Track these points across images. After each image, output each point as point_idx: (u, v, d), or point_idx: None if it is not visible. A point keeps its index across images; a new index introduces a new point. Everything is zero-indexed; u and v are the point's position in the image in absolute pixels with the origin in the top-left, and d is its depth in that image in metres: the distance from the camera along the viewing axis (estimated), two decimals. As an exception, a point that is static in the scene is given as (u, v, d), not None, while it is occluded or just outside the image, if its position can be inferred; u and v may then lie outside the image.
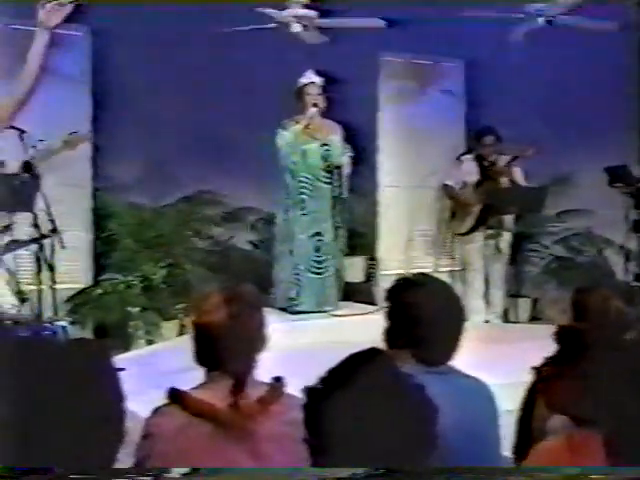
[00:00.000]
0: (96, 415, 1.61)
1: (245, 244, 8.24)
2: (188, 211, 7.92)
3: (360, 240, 8.15)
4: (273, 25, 7.25)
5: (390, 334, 2.80)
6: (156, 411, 2.55)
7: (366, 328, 6.14)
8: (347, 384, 1.81)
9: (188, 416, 2.48)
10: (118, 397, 1.68)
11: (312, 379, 1.89)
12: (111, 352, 1.76)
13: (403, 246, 8.27)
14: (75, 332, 6.29)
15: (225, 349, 2.54)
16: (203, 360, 2.59)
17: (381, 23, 7.30)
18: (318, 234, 7.11)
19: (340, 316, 6.97)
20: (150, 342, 7.28)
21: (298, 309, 6.94)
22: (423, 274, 3.17)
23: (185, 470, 2.31)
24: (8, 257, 5.48)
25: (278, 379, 2.61)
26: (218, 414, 2.48)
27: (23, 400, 1.56)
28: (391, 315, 2.82)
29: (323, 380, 1.86)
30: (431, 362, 2.71)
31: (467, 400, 2.67)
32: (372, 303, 7.36)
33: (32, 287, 5.81)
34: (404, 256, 8.13)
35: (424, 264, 8.03)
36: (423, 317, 2.72)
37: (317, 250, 7.10)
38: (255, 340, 2.60)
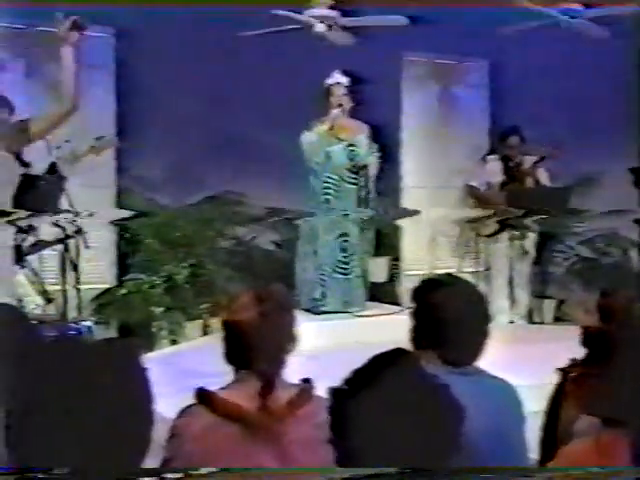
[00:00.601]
0: (125, 416, 1.61)
1: (268, 244, 8.23)
2: (212, 211, 7.93)
3: (384, 240, 8.12)
4: (297, 26, 7.24)
5: (416, 334, 2.79)
6: (183, 411, 2.54)
7: (391, 328, 6.14)
8: (372, 385, 1.80)
9: (215, 417, 2.47)
10: (148, 398, 1.68)
11: (338, 380, 1.88)
12: (140, 352, 1.76)
13: (427, 247, 8.24)
14: (100, 332, 6.31)
15: (254, 349, 2.53)
16: (232, 359, 2.59)
17: (404, 21, 7.28)
18: (344, 235, 7.10)
19: (365, 316, 6.96)
20: (174, 342, 7.29)
21: (323, 310, 6.93)
22: (449, 274, 3.16)
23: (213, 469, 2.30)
24: (33, 257, 5.51)
25: (307, 380, 2.60)
26: (246, 415, 2.47)
27: (54, 400, 1.57)
28: (417, 315, 2.81)
29: (348, 381, 1.85)
30: (457, 363, 2.69)
31: (493, 401, 2.65)
32: (396, 303, 7.34)
33: (57, 287, 5.84)
34: (428, 257, 8.10)
35: (448, 265, 8.00)
36: (449, 317, 2.71)
37: (343, 251, 7.10)
38: (285, 340, 2.59)
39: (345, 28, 7.44)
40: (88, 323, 5.96)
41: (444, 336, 2.70)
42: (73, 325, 5.69)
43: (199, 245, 7.77)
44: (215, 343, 2.65)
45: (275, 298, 2.62)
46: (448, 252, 8.26)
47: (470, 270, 7.60)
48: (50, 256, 5.89)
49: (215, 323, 7.13)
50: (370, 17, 7.46)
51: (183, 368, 5.52)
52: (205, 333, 7.31)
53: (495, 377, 2.81)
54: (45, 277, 5.68)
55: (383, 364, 1.86)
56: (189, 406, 2.54)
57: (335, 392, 1.87)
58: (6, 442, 1.61)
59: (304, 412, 2.51)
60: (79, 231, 5.80)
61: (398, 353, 1.91)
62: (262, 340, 2.53)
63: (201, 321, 7.45)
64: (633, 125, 7.74)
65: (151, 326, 7.27)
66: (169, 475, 2.08)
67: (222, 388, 2.56)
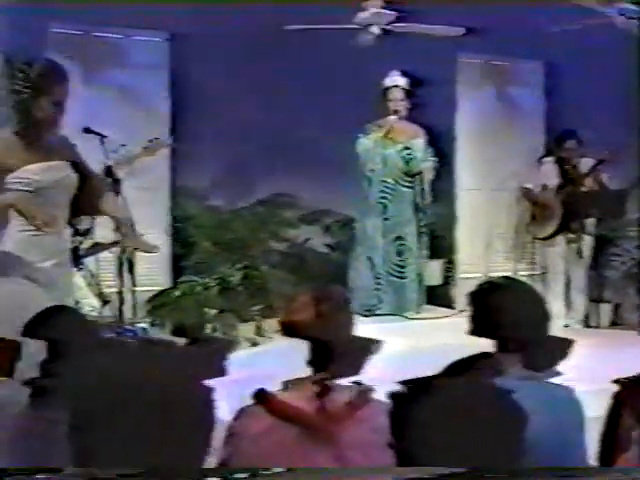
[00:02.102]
0: (188, 417, 1.61)
1: (321, 247, 8.24)
2: (265, 213, 7.95)
3: (438, 243, 8.08)
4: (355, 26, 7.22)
5: (485, 337, 2.76)
6: (241, 412, 2.55)
7: (445, 331, 6.13)
8: (435, 388, 1.79)
9: (273, 418, 2.48)
10: (210, 399, 1.69)
11: (395, 382, 1.87)
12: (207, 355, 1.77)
13: (482, 249, 8.19)
14: (155, 334, 6.35)
15: (328, 352, 2.53)
16: (310, 362, 2.59)
17: (461, 31, 7.24)
18: (400, 238, 7.09)
19: (419, 319, 6.94)
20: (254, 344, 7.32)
21: (378, 313, 6.92)
22: (508, 277, 3.13)
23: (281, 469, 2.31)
24: (90, 260, 5.57)
25: (359, 383, 2.60)
26: (304, 417, 2.47)
27: (120, 402, 1.58)
28: (477, 319, 2.78)
29: (410, 385, 1.84)
30: (536, 367, 2.67)
31: (556, 406, 2.62)
32: (450, 306, 7.31)
33: (112, 289, 5.90)
34: (483, 259, 8.04)
35: (503, 268, 7.93)
36: (511, 320, 2.68)
37: (399, 254, 7.08)
38: (344, 342, 2.59)
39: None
40: (144, 325, 6.02)
41: (512, 339, 2.68)
42: (129, 327, 5.75)
43: (252, 247, 7.80)
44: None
45: (333, 299, 2.63)
46: (503, 255, 8.20)
47: (526, 273, 7.53)
48: (107, 258, 5.95)
49: (268, 325, 7.17)
50: (427, 26, 7.38)
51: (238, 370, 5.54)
52: (258, 335, 7.33)
53: (557, 384, 2.78)
54: (102, 279, 5.74)
55: (460, 368, 1.85)
56: (247, 407, 2.55)
57: (398, 395, 1.86)
58: (71, 442, 1.62)
59: (362, 415, 2.50)
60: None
61: (477, 358, 1.89)
62: (320, 342, 2.53)
63: (254, 323, 7.47)
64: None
65: (204, 328, 7.30)
66: (238, 475, 2.09)
67: (281, 389, 2.57)
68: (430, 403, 1.78)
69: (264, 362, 5.93)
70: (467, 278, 7.75)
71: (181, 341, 2.48)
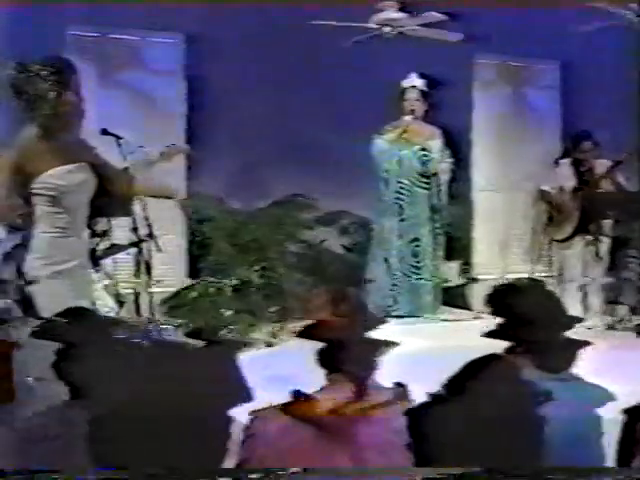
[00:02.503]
0: (209, 418, 1.62)
1: (338, 248, 8.23)
2: (281, 215, 7.95)
3: (455, 244, 8.07)
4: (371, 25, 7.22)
5: (504, 339, 2.75)
6: (257, 413, 2.55)
7: (463, 333, 6.12)
8: (468, 390, 1.79)
9: (291, 419, 2.48)
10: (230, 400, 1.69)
11: (416, 383, 1.87)
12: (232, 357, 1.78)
13: (498, 251, 8.17)
14: (180, 335, 6.34)
15: (342, 352, 2.54)
16: (323, 362, 2.60)
17: (459, 37, 7.23)
18: (416, 239, 7.08)
19: (438, 320, 6.93)
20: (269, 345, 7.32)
21: (394, 314, 6.91)
22: (526, 279, 3.13)
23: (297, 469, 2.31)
24: (108, 261, 5.58)
25: (400, 385, 2.60)
26: (319, 418, 2.48)
27: (143, 402, 1.58)
28: (503, 320, 2.78)
29: (444, 386, 1.83)
30: (551, 369, 2.66)
31: (586, 406, 2.62)
32: (467, 308, 7.29)
33: (129, 290, 5.91)
34: (499, 261, 8.02)
35: (520, 269, 7.91)
36: (535, 322, 2.68)
37: (415, 255, 7.07)
38: (372, 343, 2.59)
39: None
40: (167, 326, 6.05)
41: (533, 341, 2.67)
42: (153, 328, 5.78)
43: (269, 249, 7.80)
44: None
45: (347, 300, 2.63)
46: (520, 257, 8.18)
47: (543, 275, 7.51)
48: (123, 259, 5.97)
49: (283, 326, 7.17)
50: (430, 30, 7.35)
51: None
52: (274, 336, 7.33)
53: (593, 384, 2.78)
54: (119, 280, 5.75)
55: (478, 369, 1.85)
56: (264, 408, 2.55)
57: (431, 398, 1.86)
58: (90, 442, 1.63)
59: (380, 416, 2.50)
60: (151, 235, 5.87)
61: (492, 358, 1.89)
62: (346, 343, 2.53)
63: (270, 324, 7.47)
64: None
65: (221, 329, 7.30)
66: (253, 475, 2.09)
67: (316, 391, 2.58)
68: (454, 405, 1.78)
69: (279, 363, 5.94)
70: (483, 279, 7.74)
71: (195, 343, 2.49)
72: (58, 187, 4.07)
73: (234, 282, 7.48)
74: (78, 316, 2.88)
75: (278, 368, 5.08)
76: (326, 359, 2.60)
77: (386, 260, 7.13)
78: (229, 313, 7.36)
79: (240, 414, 2.57)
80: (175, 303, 7.32)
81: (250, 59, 7.42)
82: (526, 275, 7.09)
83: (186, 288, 7.44)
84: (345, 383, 2.53)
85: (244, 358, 2.37)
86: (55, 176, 4.07)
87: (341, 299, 2.60)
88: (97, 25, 7.09)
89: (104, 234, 5.46)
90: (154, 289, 6.08)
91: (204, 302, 7.35)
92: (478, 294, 7.50)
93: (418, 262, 7.09)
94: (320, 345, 2.61)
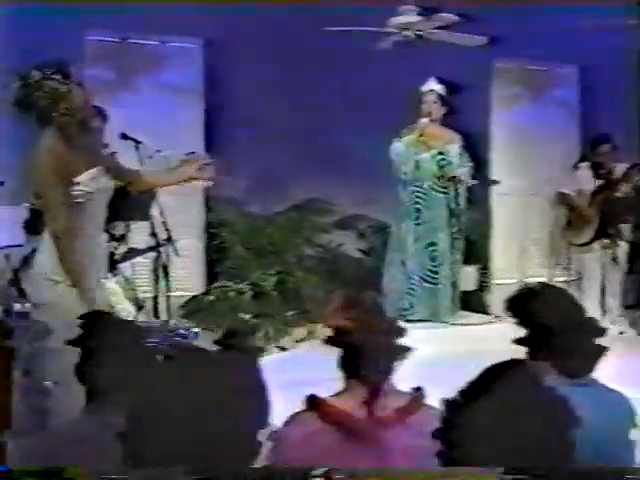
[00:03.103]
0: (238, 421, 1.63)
1: (355, 252, 8.22)
2: (299, 219, 7.96)
3: (473, 248, 8.05)
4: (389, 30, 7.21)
5: (527, 344, 2.75)
6: (292, 417, 2.56)
7: (485, 337, 6.11)
8: (488, 396, 1.78)
9: (322, 423, 2.48)
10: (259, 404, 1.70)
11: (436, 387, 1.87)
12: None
13: (517, 255, 8.14)
14: (205, 339, 6.36)
15: (359, 356, 2.54)
16: (342, 366, 2.60)
17: (484, 40, 7.22)
18: (433, 244, 7.07)
19: (457, 325, 6.92)
20: (282, 348, 7.33)
21: (411, 319, 6.91)
22: (546, 284, 3.12)
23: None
24: (126, 265, 5.60)
25: (418, 389, 2.59)
26: (352, 422, 2.48)
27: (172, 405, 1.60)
28: (525, 325, 2.77)
29: (463, 392, 1.83)
30: (572, 374, 2.65)
31: (608, 412, 2.60)
32: (485, 312, 7.27)
33: (147, 295, 5.94)
34: (518, 265, 8.00)
35: (539, 273, 7.88)
36: (558, 327, 2.67)
37: (432, 260, 7.06)
38: (387, 348, 2.59)
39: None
40: (195, 329, 6.08)
41: (557, 346, 2.66)
42: (181, 332, 5.81)
43: (286, 252, 7.81)
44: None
45: (364, 305, 2.63)
46: (539, 261, 8.15)
47: (561, 279, 7.49)
48: (142, 264, 5.99)
49: (302, 330, 7.18)
50: (452, 34, 7.34)
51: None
52: (295, 340, 7.34)
53: (611, 389, 2.76)
54: (137, 284, 5.78)
55: (499, 375, 1.84)
56: (297, 412, 2.56)
57: (450, 403, 1.85)
58: (122, 442, 1.64)
59: (411, 421, 2.50)
60: (169, 239, 5.89)
61: (513, 364, 1.88)
62: (363, 348, 2.53)
63: (288, 328, 7.47)
64: None
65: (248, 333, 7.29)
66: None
67: (333, 395, 2.58)
68: (484, 410, 1.77)
69: (295, 367, 5.95)
70: (502, 284, 7.73)
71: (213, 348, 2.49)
72: (85, 195, 4.09)
73: (250, 286, 7.48)
74: (100, 320, 2.89)
75: (293, 372, 5.09)
76: (343, 363, 2.60)
77: (403, 263, 7.12)
78: (247, 317, 7.38)
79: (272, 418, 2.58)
80: (193, 307, 7.34)
81: (269, 63, 7.44)
82: (545, 279, 7.06)
83: (205, 293, 7.46)
84: (362, 388, 2.53)
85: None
86: (83, 183, 4.09)
87: (356, 303, 2.60)
88: (116, 30, 7.12)
89: (122, 238, 5.50)
90: (173, 293, 6.10)
91: (222, 306, 7.36)
92: (496, 298, 7.49)
93: (435, 266, 7.07)
94: (337, 350, 2.61)
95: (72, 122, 4.05)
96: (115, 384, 2.50)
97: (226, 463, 1.63)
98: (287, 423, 2.56)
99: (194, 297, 7.42)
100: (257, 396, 1.70)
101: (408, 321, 6.88)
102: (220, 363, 1.72)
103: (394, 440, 2.47)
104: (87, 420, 2.61)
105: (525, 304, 2.78)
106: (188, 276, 7.28)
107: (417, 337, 6.58)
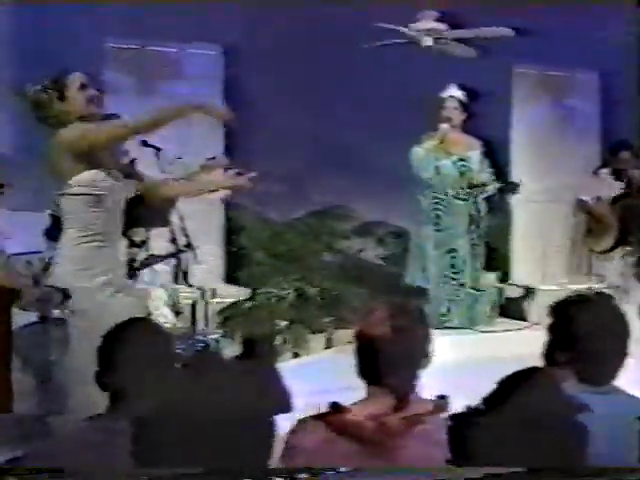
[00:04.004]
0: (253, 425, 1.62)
1: (374, 258, 8.19)
2: (318, 225, 7.94)
3: (494, 255, 8.01)
4: (404, 40, 7.21)
5: (553, 351, 2.73)
6: (299, 424, 2.54)
7: (515, 344, 6.09)
8: (508, 404, 1.77)
9: (332, 432, 2.46)
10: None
11: (462, 395, 1.85)
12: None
13: (538, 262, 8.10)
14: (227, 345, 6.35)
15: (387, 364, 2.52)
16: (364, 374, 2.58)
17: (509, 32, 7.19)
18: (453, 250, 7.05)
19: (486, 332, 6.91)
20: (296, 355, 7.32)
21: (448, 325, 6.91)
22: (587, 291, 3.10)
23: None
24: (145, 271, 5.60)
25: (442, 397, 2.57)
26: (361, 431, 2.46)
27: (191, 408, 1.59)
28: (554, 332, 2.75)
29: (485, 400, 1.81)
30: (596, 382, 2.63)
31: (630, 420, 2.58)
32: (524, 319, 7.27)
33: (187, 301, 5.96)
34: (540, 272, 7.95)
35: (560, 281, 7.83)
36: (591, 335, 2.65)
37: (452, 266, 7.04)
38: (418, 356, 2.57)
39: (458, 40, 7.37)
40: (215, 336, 6.08)
41: (585, 354, 2.64)
42: (201, 338, 5.81)
43: (305, 259, 7.79)
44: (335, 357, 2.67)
45: (410, 313, 2.62)
46: (561, 268, 8.10)
47: (584, 286, 7.43)
48: (162, 270, 6.00)
49: (338, 337, 7.16)
50: (476, 29, 7.36)
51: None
52: (328, 347, 7.32)
53: (632, 396, 2.74)
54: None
55: (519, 383, 1.82)
56: (305, 419, 2.54)
57: (470, 411, 1.84)
58: (134, 444, 1.64)
59: (423, 429, 2.47)
60: (190, 245, 5.89)
61: (533, 371, 1.87)
62: (395, 356, 2.52)
63: (324, 334, 7.45)
64: None
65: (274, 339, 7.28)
66: (301, 475, 2.09)
67: (354, 403, 2.56)
68: (505, 418, 1.76)
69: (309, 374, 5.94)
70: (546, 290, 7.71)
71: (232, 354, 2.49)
72: (94, 190, 4.11)
73: (290, 293, 7.45)
74: (139, 327, 2.89)
75: (309, 380, 5.07)
76: (367, 371, 2.58)
77: (423, 270, 7.10)
78: (284, 323, 7.36)
79: (281, 427, 2.57)
80: (231, 314, 7.29)
81: (288, 69, 7.44)
82: (566, 287, 7.02)
83: (244, 299, 7.41)
84: (386, 395, 2.51)
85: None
86: (96, 181, 4.12)
87: (403, 311, 2.59)
88: (136, 37, 7.14)
89: (142, 244, 5.50)
90: (211, 300, 6.13)
91: (260, 313, 7.32)
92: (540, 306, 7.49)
93: (455, 273, 7.05)
94: (359, 357, 2.60)
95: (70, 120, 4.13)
96: (136, 390, 2.49)
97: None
98: (296, 430, 2.54)
99: (233, 304, 7.39)
100: (274, 402, 1.69)
101: (445, 328, 6.88)
102: (237, 370, 1.72)
103: (407, 450, 2.45)
104: (94, 426, 2.60)
105: (570, 310, 2.76)
106: (208, 282, 7.26)
107: (450, 344, 6.50)
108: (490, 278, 7.89)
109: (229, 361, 1.85)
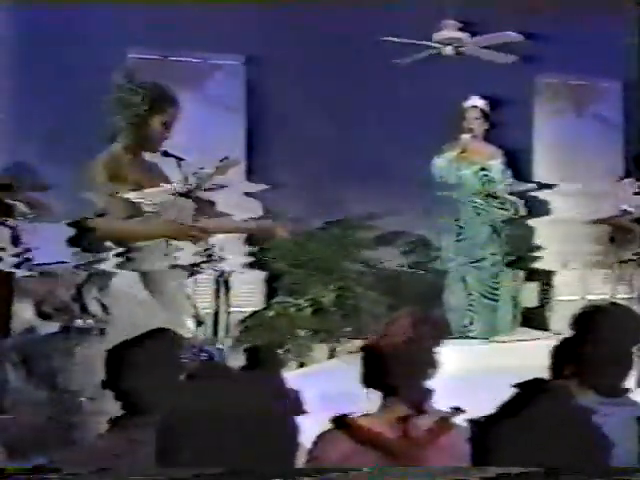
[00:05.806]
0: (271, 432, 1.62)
1: (397, 267, 8.17)
2: (340, 234, 7.93)
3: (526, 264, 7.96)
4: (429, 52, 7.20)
5: (568, 362, 2.71)
6: (321, 436, 2.53)
7: (532, 355, 6.05)
8: (518, 416, 1.76)
9: (354, 443, 2.46)
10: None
11: (479, 405, 1.84)
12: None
13: (578, 272, 8.04)
14: (232, 355, 6.36)
15: (404, 374, 2.52)
16: (377, 384, 2.58)
17: (519, 37, 7.17)
18: (475, 260, 7.03)
19: (501, 342, 6.88)
20: (302, 365, 7.31)
21: (472, 335, 6.89)
22: (612, 303, 3.08)
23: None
24: (188, 281, 5.61)
25: (458, 408, 2.57)
26: (386, 443, 2.45)
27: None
28: (582, 342, 2.73)
29: (494, 412, 1.81)
30: (612, 393, 2.61)
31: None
32: (545, 329, 7.23)
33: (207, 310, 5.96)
34: (579, 282, 7.88)
35: (601, 291, 7.73)
36: (612, 346, 2.63)
37: (474, 277, 7.03)
38: (429, 366, 2.57)
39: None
40: (220, 346, 6.05)
41: (604, 365, 2.63)
42: (206, 348, 5.79)
43: (330, 268, 7.78)
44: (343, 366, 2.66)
45: (433, 324, 2.61)
46: (600, 278, 8.02)
47: (624, 296, 7.37)
48: (202, 280, 6.01)
49: (344, 347, 7.14)
50: (486, 35, 7.31)
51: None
52: (331, 357, 7.31)
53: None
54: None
55: (528, 394, 1.81)
56: (327, 431, 2.53)
57: (482, 422, 1.83)
58: (158, 444, 1.65)
59: (445, 441, 2.46)
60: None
61: (538, 383, 1.86)
62: (411, 366, 2.51)
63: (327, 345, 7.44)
64: None
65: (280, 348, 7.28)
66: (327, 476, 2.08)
67: (366, 414, 2.55)
68: (517, 429, 1.75)
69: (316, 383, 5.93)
70: (564, 301, 7.66)
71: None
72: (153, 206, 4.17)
73: (309, 302, 7.45)
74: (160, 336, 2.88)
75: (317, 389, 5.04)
76: (380, 381, 2.57)
77: (464, 280, 7.09)
78: (304, 333, 7.35)
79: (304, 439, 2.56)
80: (251, 323, 7.30)
81: (310, 79, 7.45)
82: (607, 297, 6.98)
83: (265, 308, 7.41)
84: (402, 406, 2.50)
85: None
86: (151, 195, 4.17)
87: (427, 321, 2.59)
88: (158, 47, 7.17)
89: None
90: (233, 309, 6.13)
91: (281, 322, 7.31)
92: (557, 315, 7.45)
93: (496, 283, 7.04)
94: (373, 367, 2.59)
95: (138, 143, 4.18)
96: (150, 400, 2.49)
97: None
98: (317, 443, 2.53)
99: (253, 313, 7.39)
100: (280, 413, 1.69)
101: (468, 337, 6.85)
102: (242, 381, 1.72)
103: (431, 461, 2.44)
104: (117, 436, 2.60)
105: (590, 321, 2.74)
106: (249, 292, 7.26)
107: (466, 354, 6.48)
108: (531, 288, 7.81)
109: (236, 371, 1.85)
